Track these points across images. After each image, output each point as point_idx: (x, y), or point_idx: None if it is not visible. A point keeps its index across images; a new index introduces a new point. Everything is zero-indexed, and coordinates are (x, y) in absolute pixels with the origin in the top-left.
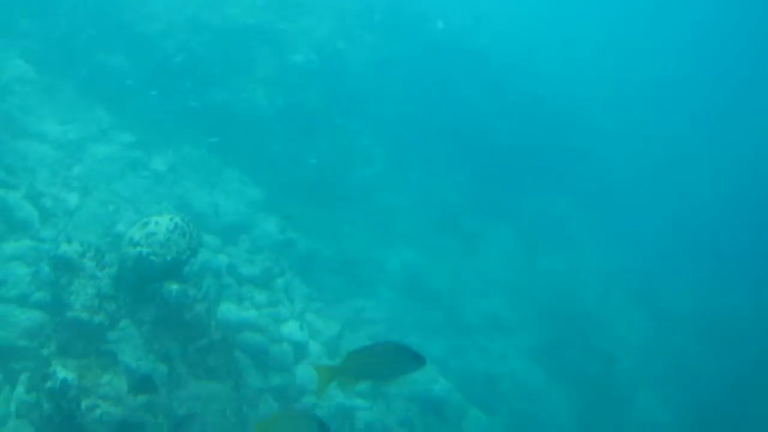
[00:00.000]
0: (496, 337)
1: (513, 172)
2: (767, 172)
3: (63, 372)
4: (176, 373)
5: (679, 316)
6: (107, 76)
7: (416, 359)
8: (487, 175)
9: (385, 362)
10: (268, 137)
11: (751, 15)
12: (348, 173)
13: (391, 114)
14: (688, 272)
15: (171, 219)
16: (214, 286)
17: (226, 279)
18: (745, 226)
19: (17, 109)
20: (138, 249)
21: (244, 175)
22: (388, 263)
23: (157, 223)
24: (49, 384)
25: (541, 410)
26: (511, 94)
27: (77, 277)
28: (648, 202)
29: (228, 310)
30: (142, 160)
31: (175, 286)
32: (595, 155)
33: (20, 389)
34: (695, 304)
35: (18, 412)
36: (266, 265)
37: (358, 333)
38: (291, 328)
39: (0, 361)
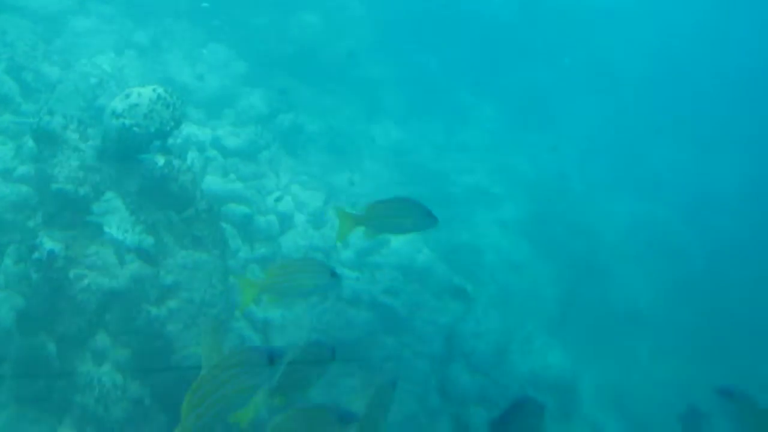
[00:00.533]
0: (481, 209)
1: (501, 49)
2: None
3: (50, 243)
4: (162, 243)
5: (664, 191)
6: None
7: (431, 217)
8: (475, 52)
9: (402, 217)
10: (253, 10)
11: None
12: (334, 46)
13: None
14: (672, 147)
15: (154, 90)
16: (199, 159)
17: (210, 152)
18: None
19: None
20: (121, 120)
21: (228, 49)
22: (374, 137)
23: (139, 94)
24: (36, 255)
25: (525, 282)
26: None
27: (61, 149)
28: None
29: (213, 182)
30: (124, 33)
31: (159, 157)
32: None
33: (8, 261)
34: (680, 179)
35: (6, 283)
36: (251, 138)
37: (343, 205)
38: (277, 199)
39: None
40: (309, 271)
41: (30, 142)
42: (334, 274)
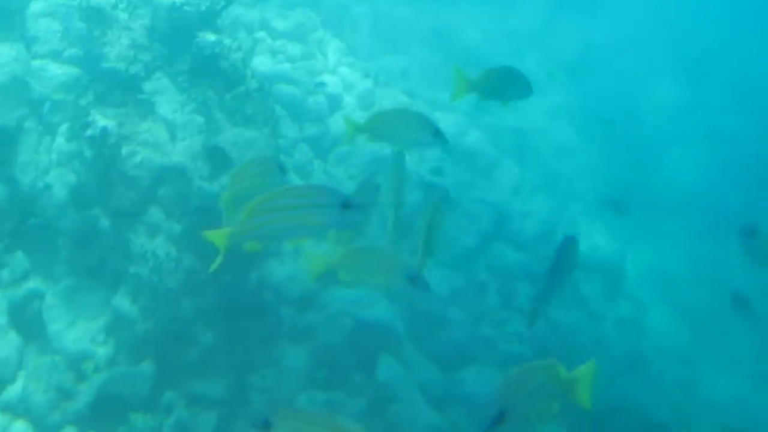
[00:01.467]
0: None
1: None
2: None
3: (102, 120)
4: (214, 121)
5: (714, 75)
6: None
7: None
8: None
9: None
10: None
11: None
12: None
13: None
14: (725, 32)
15: None
16: (248, 40)
17: (258, 33)
18: None
19: None
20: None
21: None
22: (421, 23)
23: None
24: (89, 132)
25: (571, 166)
26: None
27: (110, 28)
28: None
29: (262, 63)
30: None
31: (210, 36)
32: None
33: (60, 139)
34: (731, 63)
35: (59, 161)
36: (299, 20)
37: (391, 88)
38: (326, 80)
39: (39, 115)
40: (413, 126)
41: (78, 23)
42: (437, 133)
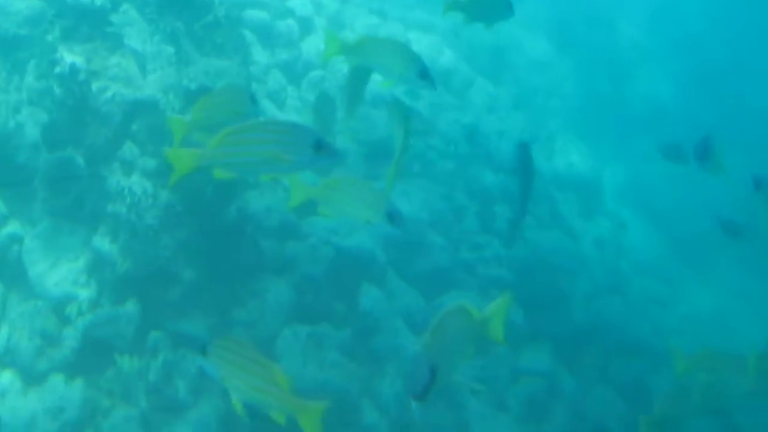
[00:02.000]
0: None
1: None
2: None
3: (70, 56)
4: (183, 51)
5: None
6: None
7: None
8: None
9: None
10: None
11: None
12: None
13: None
14: None
15: None
16: None
17: None
18: None
19: None
20: None
21: None
22: None
23: None
24: (57, 69)
25: (547, 80)
26: None
27: None
28: None
29: None
30: None
31: None
32: None
33: (29, 78)
34: None
35: (30, 99)
36: None
37: (362, 8)
38: (296, 3)
39: (5, 52)
40: (401, 61)
41: None
42: (425, 74)
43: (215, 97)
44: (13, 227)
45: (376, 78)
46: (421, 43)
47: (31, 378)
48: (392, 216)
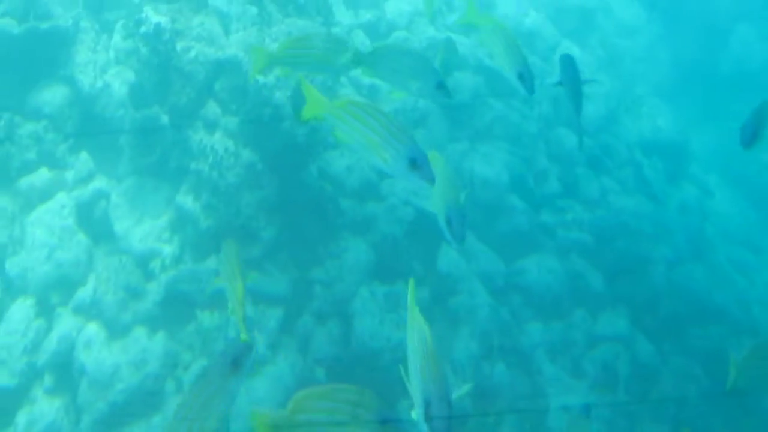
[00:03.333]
0: None
1: None
2: None
3: (156, 16)
4: (266, 12)
5: None
6: None
7: (441, 90)
8: None
9: (410, 77)
10: None
11: None
12: None
13: None
14: None
15: None
16: None
17: None
18: None
19: None
20: None
21: None
22: None
23: None
24: (143, 29)
25: (635, 45)
26: None
27: None
28: None
29: None
30: None
31: None
32: None
33: (116, 37)
34: None
35: (117, 59)
36: None
37: None
38: None
39: (93, 12)
40: (417, 73)
41: None
42: (440, 86)
43: (306, 40)
44: (99, 183)
45: (460, 41)
46: (505, 4)
47: (115, 330)
48: (415, 162)
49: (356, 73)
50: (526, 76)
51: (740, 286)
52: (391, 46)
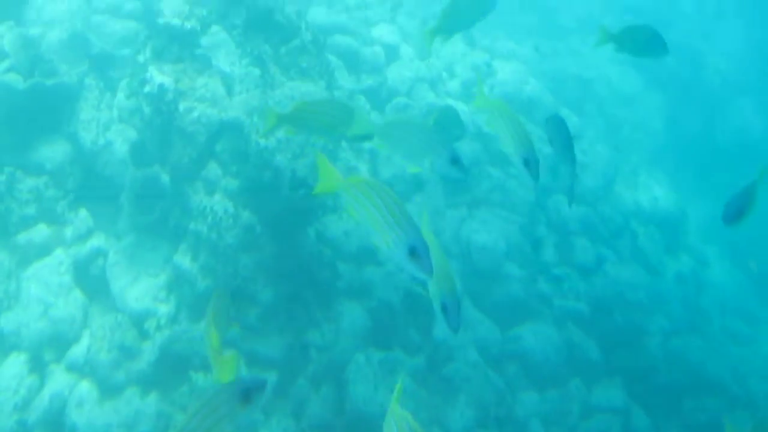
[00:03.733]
0: (590, 40)
1: None
2: None
3: (160, 76)
4: (269, 75)
5: None
6: None
7: (456, 166)
8: None
9: (422, 151)
10: None
11: None
12: None
13: None
14: None
15: None
16: None
17: None
18: None
19: None
20: None
21: None
22: None
23: None
24: (147, 88)
25: (633, 114)
26: None
27: None
28: None
29: (317, 13)
30: None
31: None
32: None
33: (120, 96)
34: None
35: (120, 117)
36: None
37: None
38: (382, 31)
39: (99, 70)
40: (431, 148)
41: None
42: (456, 161)
43: (317, 105)
44: (98, 241)
45: (459, 107)
46: (505, 72)
47: (108, 389)
48: (415, 252)
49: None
50: (531, 163)
51: (736, 357)
52: (405, 119)
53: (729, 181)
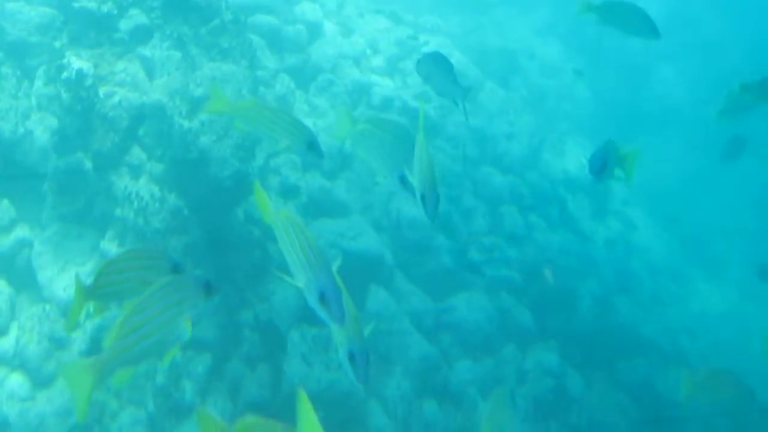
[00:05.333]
0: (513, 11)
1: None
2: None
3: (78, 62)
4: (190, 57)
5: None
6: None
7: (312, 147)
8: None
9: (280, 133)
10: None
11: None
12: None
13: None
14: None
15: None
16: None
17: None
18: None
19: None
20: None
21: None
22: None
23: None
24: (65, 75)
25: (559, 85)
26: None
27: None
28: None
29: None
30: None
31: None
32: None
33: (38, 83)
34: None
35: (39, 105)
36: None
37: (375, 13)
38: (304, 8)
39: (15, 59)
40: (290, 132)
41: None
42: (312, 145)
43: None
44: (22, 232)
45: (385, 83)
46: (430, 46)
47: (40, 381)
48: (324, 298)
49: None
50: (429, 200)
51: (667, 317)
52: (265, 105)
53: (652, 144)
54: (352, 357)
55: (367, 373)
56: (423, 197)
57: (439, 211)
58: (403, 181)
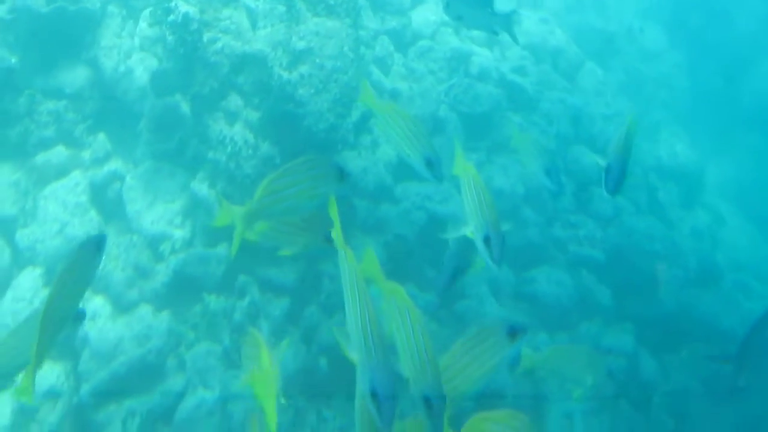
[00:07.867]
0: None
1: None
2: None
3: (185, 6)
4: (295, 9)
5: None
6: None
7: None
8: None
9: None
10: None
11: None
12: None
13: None
14: None
15: None
16: None
17: None
18: None
19: None
20: None
21: None
22: None
23: None
24: (171, 17)
25: (658, 71)
26: None
27: None
28: None
29: None
30: None
31: None
32: None
33: (143, 24)
34: None
35: (141, 45)
36: None
37: None
38: None
39: None
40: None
41: None
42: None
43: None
44: (115, 165)
45: (484, 53)
46: (531, 21)
47: (121, 306)
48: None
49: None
50: (434, 163)
51: (746, 311)
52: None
53: (749, 141)
54: (487, 241)
55: (502, 255)
56: (487, 239)
57: (505, 251)
58: (429, 163)
